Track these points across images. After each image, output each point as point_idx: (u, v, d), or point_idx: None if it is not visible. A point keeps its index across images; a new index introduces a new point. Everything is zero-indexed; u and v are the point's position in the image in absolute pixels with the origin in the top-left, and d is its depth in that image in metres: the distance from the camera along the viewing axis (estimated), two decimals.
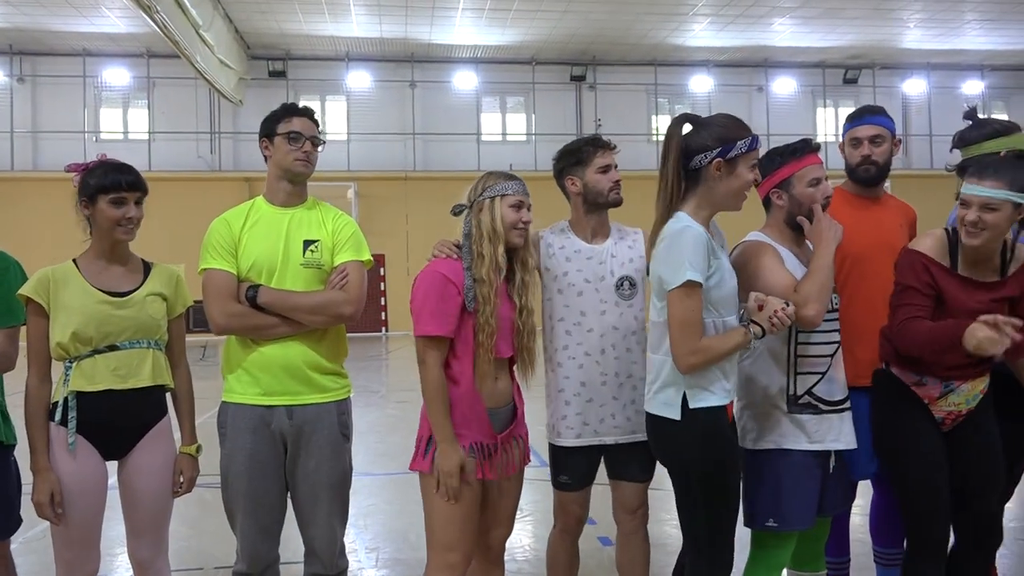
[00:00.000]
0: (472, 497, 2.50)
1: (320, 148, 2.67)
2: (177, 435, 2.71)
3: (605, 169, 2.78)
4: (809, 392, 2.50)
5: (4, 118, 18.57)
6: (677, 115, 2.40)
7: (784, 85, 20.57)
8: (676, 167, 2.33)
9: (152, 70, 18.70)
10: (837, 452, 2.55)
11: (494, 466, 2.53)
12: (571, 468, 2.78)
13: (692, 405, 2.30)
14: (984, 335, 2.25)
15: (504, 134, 20.25)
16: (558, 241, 2.81)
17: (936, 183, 11.49)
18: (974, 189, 2.47)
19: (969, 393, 2.61)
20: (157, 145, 18.89)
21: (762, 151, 2.54)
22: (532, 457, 2.77)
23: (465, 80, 19.84)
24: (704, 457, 2.31)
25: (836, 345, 2.57)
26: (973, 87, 21.05)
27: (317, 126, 2.69)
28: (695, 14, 17.03)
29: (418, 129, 19.53)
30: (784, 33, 18.21)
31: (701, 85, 20.25)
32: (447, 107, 19.79)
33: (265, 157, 2.66)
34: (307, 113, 2.68)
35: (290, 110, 2.66)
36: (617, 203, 2.82)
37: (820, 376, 2.51)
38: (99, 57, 18.65)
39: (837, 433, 2.51)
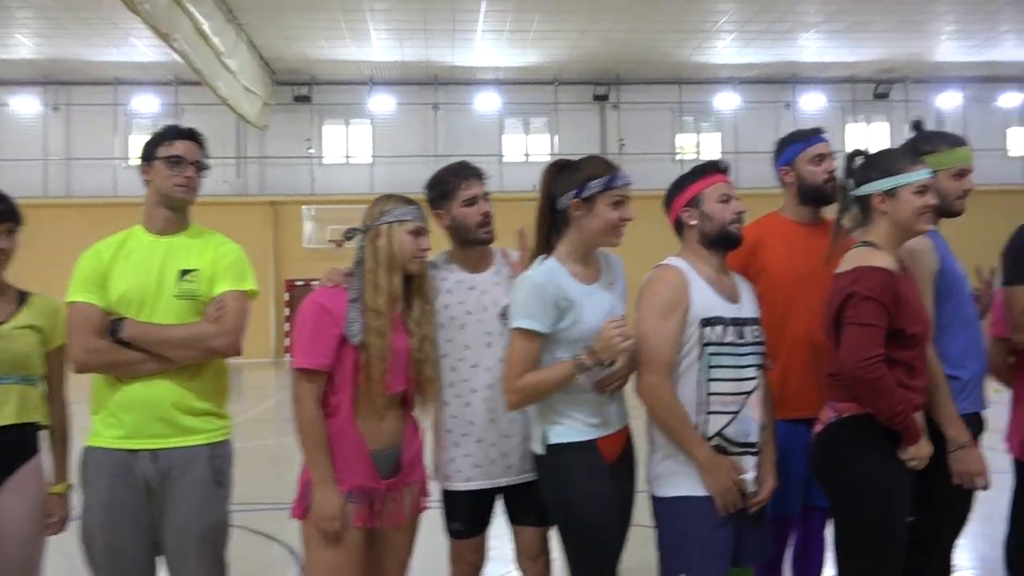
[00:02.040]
0: (355, 547, 2.31)
1: (203, 174, 2.53)
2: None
3: (471, 201, 2.54)
4: (720, 434, 2.30)
5: (38, 146, 19.06)
6: (550, 163, 2.43)
7: (812, 101, 20.11)
8: (544, 211, 2.39)
9: (180, 97, 19.02)
10: None
11: (377, 514, 2.34)
12: (464, 514, 2.58)
13: (551, 441, 2.31)
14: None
15: (527, 155, 20.15)
16: (439, 273, 2.60)
17: (980, 198, 10.92)
18: (927, 173, 2.41)
19: None
20: None
21: None
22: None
23: (488, 102, 19.83)
24: (556, 498, 2.29)
25: (754, 382, 2.35)
26: (1011, 99, 20.34)
27: (202, 149, 2.55)
28: (718, 30, 16.77)
29: (441, 151, 19.52)
30: (811, 48, 17.82)
31: (727, 102, 19.94)
32: (470, 129, 19.79)
33: (145, 182, 2.49)
34: (192, 136, 2.52)
35: (173, 132, 2.50)
36: (487, 241, 2.59)
37: (732, 416, 2.31)
38: (129, 85, 19.06)
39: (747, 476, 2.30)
